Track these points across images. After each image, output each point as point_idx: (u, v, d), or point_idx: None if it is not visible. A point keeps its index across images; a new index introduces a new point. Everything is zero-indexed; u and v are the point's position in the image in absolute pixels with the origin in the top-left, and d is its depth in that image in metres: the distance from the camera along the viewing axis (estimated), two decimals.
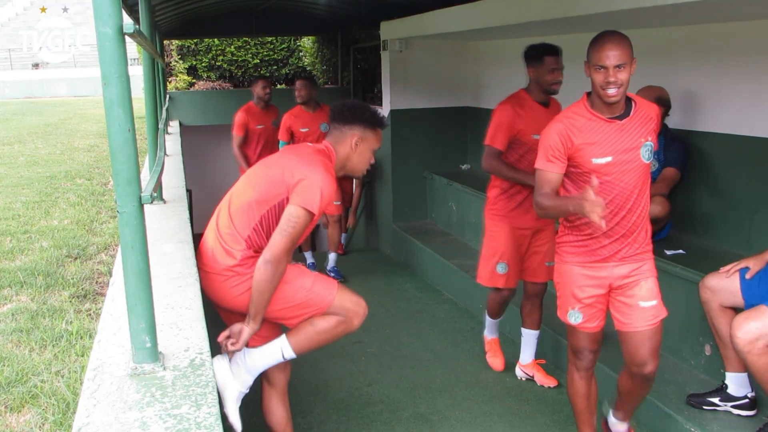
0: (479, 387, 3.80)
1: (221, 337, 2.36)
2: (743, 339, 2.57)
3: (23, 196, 8.24)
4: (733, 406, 2.99)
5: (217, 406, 1.49)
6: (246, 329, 2.31)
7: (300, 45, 10.85)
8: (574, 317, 2.72)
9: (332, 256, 5.74)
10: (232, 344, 2.32)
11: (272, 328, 2.50)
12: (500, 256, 3.65)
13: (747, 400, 2.96)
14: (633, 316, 2.63)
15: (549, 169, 2.60)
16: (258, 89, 5.98)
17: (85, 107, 21.95)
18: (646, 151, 2.57)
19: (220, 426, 1.42)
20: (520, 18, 4.12)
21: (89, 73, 27.16)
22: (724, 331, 2.83)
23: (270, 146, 5.83)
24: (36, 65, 32.17)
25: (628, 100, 2.59)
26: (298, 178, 2.32)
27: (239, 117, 5.90)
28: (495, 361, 4.03)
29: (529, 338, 3.83)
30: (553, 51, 3.36)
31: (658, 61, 4.07)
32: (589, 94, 2.59)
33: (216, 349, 1.88)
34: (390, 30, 6.36)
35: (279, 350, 2.45)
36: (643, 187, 2.62)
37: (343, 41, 9.18)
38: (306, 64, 10.68)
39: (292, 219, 2.29)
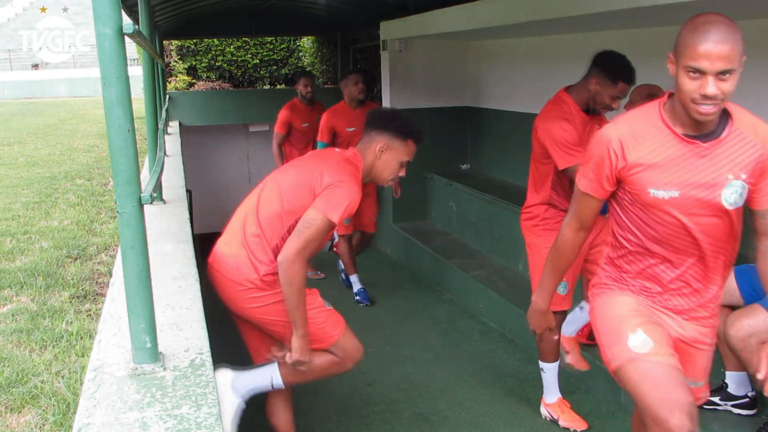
0: (479, 387, 3.80)
1: (281, 355, 2.41)
2: (736, 336, 2.58)
3: (23, 197, 8.24)
4: (733, 405, 2.99)
5: (218, 407, 1.49)
6: (293, 339, 2.34)
7: (300, 45, 10.85)
8: (641, 342, 1.88)
9: (354, 278, 5.33)
10: (291, 357, 2.36)
11: (269, 342, 2.52)
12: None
13: (747, 399, 2.96)
14: None
15: (583, 189, 1.98)
16: (300, 87, 5.59)
17: (84, 108, 21.96)
18: (732, 193, 1.83)
19: (221, 426, 1.42)
20: (519, 18, 4.11)
21: (89, 74, 27.19)
22: (723, 330, 2.84)
23: (316, 145, 5.53)
24: (36, 65, 32.17)
25: (724, 114, 1.84)
26: (326, 184, 2.30)
27: (282, 114, 5.56)
28: (579, 422, 3.33)
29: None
30: (630, 79, 2.97)
31: (656, 61, 4.07)
32: (672, 96, 1.86)
33: (216, 350, 1.87)
34: (390, 30, 6.36)
35: (269, 379, 2.49)
36: (723, 240, 1.92)
37: (342, 41, 9.19)
38: (306, 64, 10.69)
39: (308, 221, 2.27)
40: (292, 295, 2.26)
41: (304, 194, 2.33)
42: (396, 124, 2.47)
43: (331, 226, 2.31)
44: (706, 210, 1.85)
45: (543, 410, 3.43)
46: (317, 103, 5.70)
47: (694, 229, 1.87)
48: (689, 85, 1.70)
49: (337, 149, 2.55)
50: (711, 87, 1.67)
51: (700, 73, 1.68)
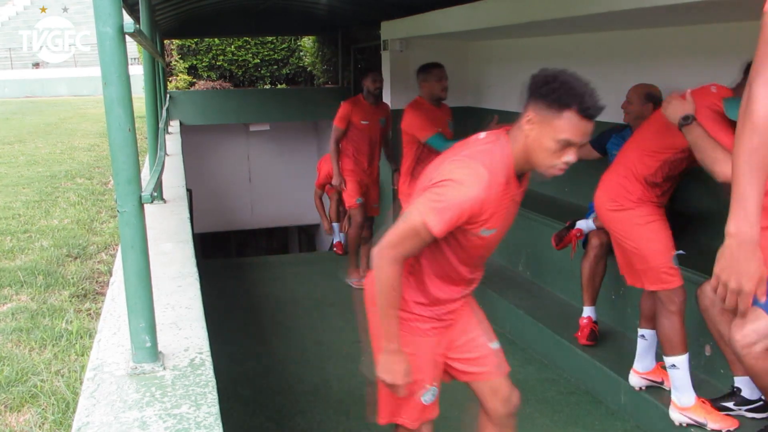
0: None
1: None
2: (741, 342, 2.55)
3: (23, 196, 8.24)
4: (747, 410, 2.94)
5: (217, 406, 1.49)
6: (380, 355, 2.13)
7: (300, 45, 10.86)
8: None
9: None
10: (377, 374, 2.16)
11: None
12: (673, 245, 2.90)
13: (761, 403, 2.91)
14: None
15: None
16: (368, 82, 5.29)
17: (85, 107, 21.98)
18: None
19: (220, 426, 1.42)
20: (520, 18, 4.12)
21: (89, 73, 27.22)
22: (728, 335, 2.79)
23: (374, 146, 5.30)
24: (36, 65, 32.18)
25: None
26: (434, 180, 1.87)
27: (343, 108, 5.25)
28: (726, 420, 2.94)
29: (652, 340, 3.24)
30: None
31: (658, 61, 4.07)
32: None
33: (216, 350, 1.87)
34: (390, 30, 6.36)
35: None
36: None
37: (343, 41, 9.19)
38: (306, 63, 10.70)
39: (404, 215, 1.88)
40: (378, 295, 1.94)
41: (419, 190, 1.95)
42: (548, 88, 1.77)
43: (429, 232, 1.84)
44: None
45: (677, 416, 3.01)
46: (383, 103, 5.44)
47: None
48: None
49: (483, 134, 1.99)
50: None
51: None
